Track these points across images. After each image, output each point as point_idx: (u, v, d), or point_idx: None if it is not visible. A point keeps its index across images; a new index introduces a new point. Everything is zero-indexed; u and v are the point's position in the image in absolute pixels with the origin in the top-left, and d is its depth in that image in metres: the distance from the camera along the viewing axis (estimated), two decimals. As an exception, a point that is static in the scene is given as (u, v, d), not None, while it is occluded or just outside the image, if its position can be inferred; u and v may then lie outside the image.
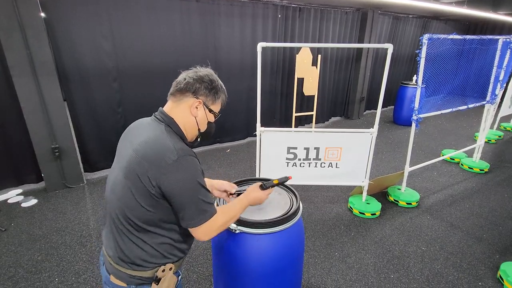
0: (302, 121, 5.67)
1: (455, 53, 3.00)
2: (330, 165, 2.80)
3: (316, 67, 4.61)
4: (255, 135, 2.69)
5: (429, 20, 7.60)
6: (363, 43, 5.85)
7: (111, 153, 3.18)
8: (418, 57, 2.65)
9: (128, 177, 0.87)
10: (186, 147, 0.91)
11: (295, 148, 2.76)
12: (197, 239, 0.96)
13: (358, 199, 3.02)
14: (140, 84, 3.77)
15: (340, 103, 6.41)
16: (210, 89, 0.99)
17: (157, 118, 0.97)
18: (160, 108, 1.00)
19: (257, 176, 2.93)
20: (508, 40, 3.34)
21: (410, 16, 6.97)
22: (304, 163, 2.81)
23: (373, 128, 2.66)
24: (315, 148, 2.73)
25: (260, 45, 2.43)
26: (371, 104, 7.09)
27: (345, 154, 2.74)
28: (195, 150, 4.45)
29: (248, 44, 4.56)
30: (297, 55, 4.46)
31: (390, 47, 2.37)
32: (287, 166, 2.83)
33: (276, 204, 1.41)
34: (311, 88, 4.65)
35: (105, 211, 1.00)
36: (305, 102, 5.42)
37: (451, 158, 4.17)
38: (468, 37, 2.85)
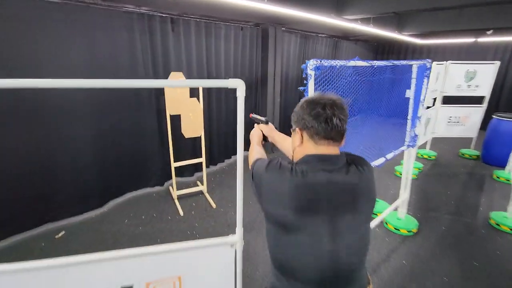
0: (190, 171, 4.28)
1: (363, 86, 2.00)
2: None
3: (198, 99, 3.34)
4: None
5: (339, 40, 7.19)
6: (267, 63, 4.86)
7: None
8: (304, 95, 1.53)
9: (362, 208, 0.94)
10: None
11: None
12: None
13: None
14: None
15: (246, 137, 5.26)
16: None
17: None
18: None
19: None
20: (423, 64, 2.54)
21: (320, 35, 6.38)
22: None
23: (235, 233, 1.39)
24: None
25: None
26: (286, 130, 6.16)
27: None
28: None
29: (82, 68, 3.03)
30: (164, 83, 3.11)
31: (240, 86, 1.16)
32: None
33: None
34: (193, 127, 3.33)
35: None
36: (190, 144, 4.08)
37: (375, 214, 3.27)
38: (377, 63, 1.87)
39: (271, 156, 1.17)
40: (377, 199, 3.52)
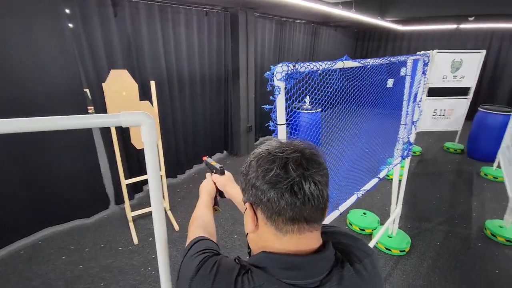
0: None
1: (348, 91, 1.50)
2: None
3: (151, 102, 2.75)
4: None
5: (319, 26, 6.67)
6: (238, 54, 4.26)
7: None
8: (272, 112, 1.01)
9: None
10: None
11: None
12: None
13: None
14: None
15: (218, 138, 4.70)
16: None
17: None
18: None
19: None
20: (421, 58, 2.08)
21: (297, 21, 5.82)
22: None
23: None
24: None
25: None
26: (265, 130, 5.67)
27: None
28: None
29: None
30: (104, 83, 2.49)
31: (146, 122, 0.62)
32: None
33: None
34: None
35: None
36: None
37: (360, 229, 2.87)
38: (371, 61, 1.37)
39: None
40: (364, 210, 3.14)
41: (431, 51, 4.44)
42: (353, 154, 1.83)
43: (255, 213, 0.57)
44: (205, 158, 1.11)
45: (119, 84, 2.51)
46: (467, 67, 4.77)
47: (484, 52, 4.69)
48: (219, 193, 1.02)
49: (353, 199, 1.62)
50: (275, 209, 0.52)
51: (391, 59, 1.59)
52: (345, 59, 1.20)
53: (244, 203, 0.60)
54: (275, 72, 0.92)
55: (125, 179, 2.80)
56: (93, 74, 2.82)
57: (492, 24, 6.25)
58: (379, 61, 1.44)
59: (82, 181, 2.94)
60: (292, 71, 0.94)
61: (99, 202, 3.17)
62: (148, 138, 0.61)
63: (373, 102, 1.81)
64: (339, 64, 1.17)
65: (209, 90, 4.22)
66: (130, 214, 2.93)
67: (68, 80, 2.65)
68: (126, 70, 2.54)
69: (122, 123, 0.58)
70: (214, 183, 1.01)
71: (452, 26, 6.83)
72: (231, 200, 0.98)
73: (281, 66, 0.92)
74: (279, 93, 0.94)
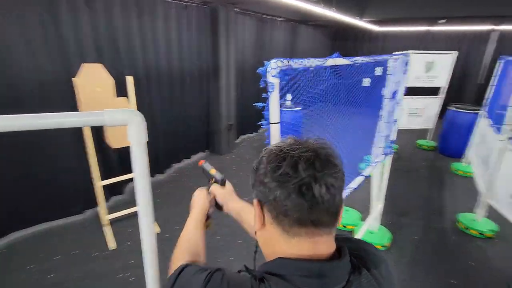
0: (128, 185, 3.49)
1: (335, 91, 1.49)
2: None
3: (128, 97, 2.61)
4: None
5: (298, 24, 6.70)
6: (219, 51, 4.17)
7: None
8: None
9: None
10: None
11: None
12: None
13: None
14: None
15: (199, 137, 4.59)
16: None
17: None
18: None
19: None
20: (402, 58, 2.12)
21: (277, 18, 5.80)
22: None
23: None
24: None
25: None
26: (247, 128, 5.61)
27: None
28: None
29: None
30: (74, 78, 2.33)
31: (134, 120, 0.55)
32: None
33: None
34: (123, 134, 2.60)
35: None
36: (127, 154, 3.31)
37: (343, 226, 2.91)
38: (359, 59, 1.37)
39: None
40: (345, 207, 3.20)
41: (410, 51, 4.60)
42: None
43: (262, 211, 0.54)
44: (202, 162, 0.97)
45: (93, 79, 2.35)
46: (439, 67, 4.99)
47: (456, 53, 4.92)
48: (217, 206, 0.91)
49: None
50: (281, 209, 0.50)
51: (377, 57, 1.60)
52: (336, 57, 1.17)
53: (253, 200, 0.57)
54: (269, 68, 0.87)
55: (101, 180, 2.63)
56: (61, 68, 2.62)
57: (461, 26, 6.60)
58: (366, 59, 1.43)
59: (53, 181, 2.73)
60: (286, 67, 0.90)
61: (71, 205, 2.97)
62: (137, 138, 0.54)
63: (350, 101, 1.82)
64: (330, 61, 1.14)
65: (190, 87, 4.09)
66: (106, 217, 2.77)
67: (37, 73, 2.44)
68: (100, 64, 2.38)
69: (107, 122, 0.51)
70: (212, 194, 0.91)
71: (424, 28, 7.13)
72: (230, 215, 0.90)
73: (275, 62, 0.87)
74: (273, 90, 0.89)
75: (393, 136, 2.34)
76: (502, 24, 6.26)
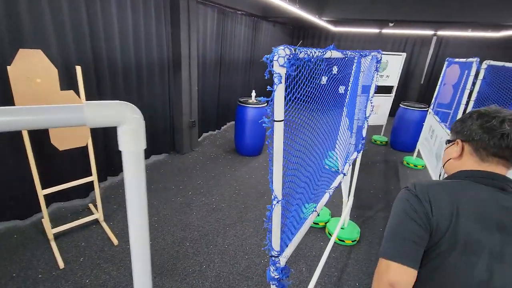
0: (81, 190, 3.02)
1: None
2: None
3: (78, 91, 2.24)
4: None
5: (259, 20, 6.61)
6: (179, 42, 3.88)
7: None
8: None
9: None
10: None
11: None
12: None
13: None
14: None
15: (161, 136, 4.24)
16: None
17: None
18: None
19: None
20: (374, 56, 2.15)
21: (238, 12, 5.63)
22: None
23: None
24: None
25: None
26: (210, 125, 5.37)
27: None
28: None
29: None
30: (9, 66, 1.92)
31: (128, 115, 0.38)
32: None
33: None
34: (72, 134, 2.25)
35: None
36: (78, 156, 2.88)
37: (314, 222, 2.91)
38: (349, 53, 1.30)
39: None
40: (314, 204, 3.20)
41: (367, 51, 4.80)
42: (315, 153, 1.77)
43: (462, 147, 0.87)
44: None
45: (32, 68, 1.95)
46: (391, 67, 5.34)
47: (405, 54, 5.30)
48: None
49: (326, 197, 1.56)
50: (483, 145, 0.81)
51: (361, 53, 1.56)
52: (332, 49, 1.09)
53: (453, 142, 0.91)
54: (276, 56, 0.73)
55: (42, 189, 2.23)
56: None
57: (407, 30, 7.16)
58: (354, 54, 1.38)
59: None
60: (293, 56, 0.78)
61: (3, 217, 2.49)
62: (134, 145, 0.37)
63: (316, 100, 1.78)
64: (328, 54, 1.05)
65: (148, 81, 3.74)
66: (51, 231, 2.37)
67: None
68: (40, 50, 1.99)
69: (89, 122, 0.33)
70: None
71: (376, 30, 7.59)
72: None
73: (284, 49, 0.74)
74: (280, 82, 0.76)
75: (364, 133, 2.38)
76: (441, 29, 6.95)
